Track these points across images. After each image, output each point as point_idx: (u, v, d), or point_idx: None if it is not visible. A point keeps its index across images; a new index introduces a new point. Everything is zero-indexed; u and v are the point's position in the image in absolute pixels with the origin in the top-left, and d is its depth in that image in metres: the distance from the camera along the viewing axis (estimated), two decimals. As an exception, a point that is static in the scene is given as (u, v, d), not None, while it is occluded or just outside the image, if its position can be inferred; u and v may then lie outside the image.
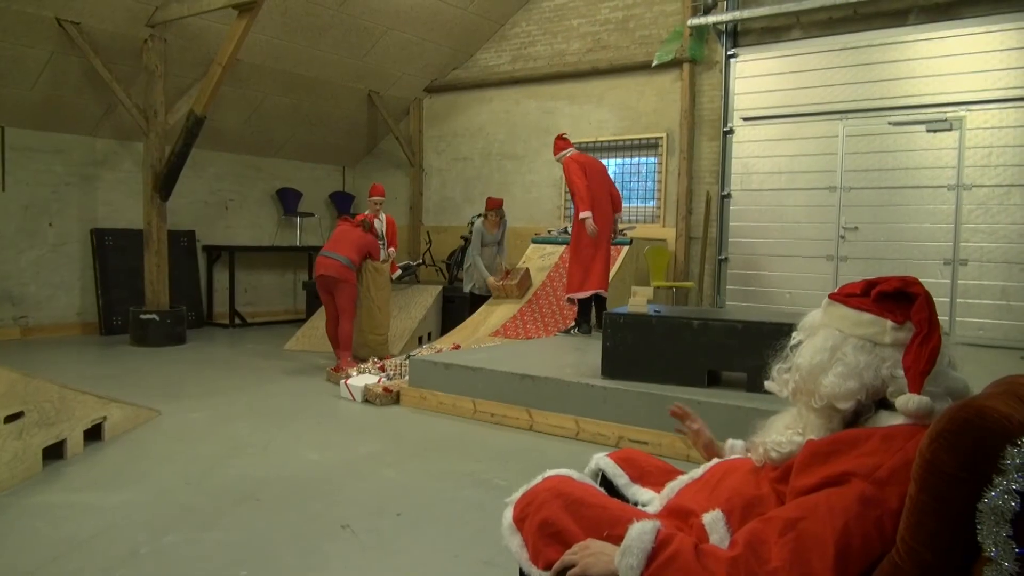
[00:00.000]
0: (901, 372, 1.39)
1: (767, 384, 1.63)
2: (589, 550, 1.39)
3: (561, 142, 6.93)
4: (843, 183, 7.46)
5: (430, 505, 3.36)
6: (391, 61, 9.35)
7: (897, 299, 1.44)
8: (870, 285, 1.48)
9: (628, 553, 1.32)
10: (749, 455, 1.64)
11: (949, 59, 6.89)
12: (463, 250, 9.59)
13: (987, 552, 1.09)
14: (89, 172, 8.60)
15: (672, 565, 1.29)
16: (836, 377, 1.43)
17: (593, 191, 6.46)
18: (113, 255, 8.67)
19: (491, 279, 7.84)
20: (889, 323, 1.42)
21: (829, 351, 1.46)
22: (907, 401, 1.34)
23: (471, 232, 9.64)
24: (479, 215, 9.96)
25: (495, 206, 7.96)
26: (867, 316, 1.45)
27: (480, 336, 7.42)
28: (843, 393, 1.42)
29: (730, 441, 1.86)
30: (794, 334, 1.61)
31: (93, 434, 4.14)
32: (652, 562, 1.30)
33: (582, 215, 6.43)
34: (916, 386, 1.34)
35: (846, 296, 1.50)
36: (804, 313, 1.62)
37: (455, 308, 8.68)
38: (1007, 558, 1.08)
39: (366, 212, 6.80)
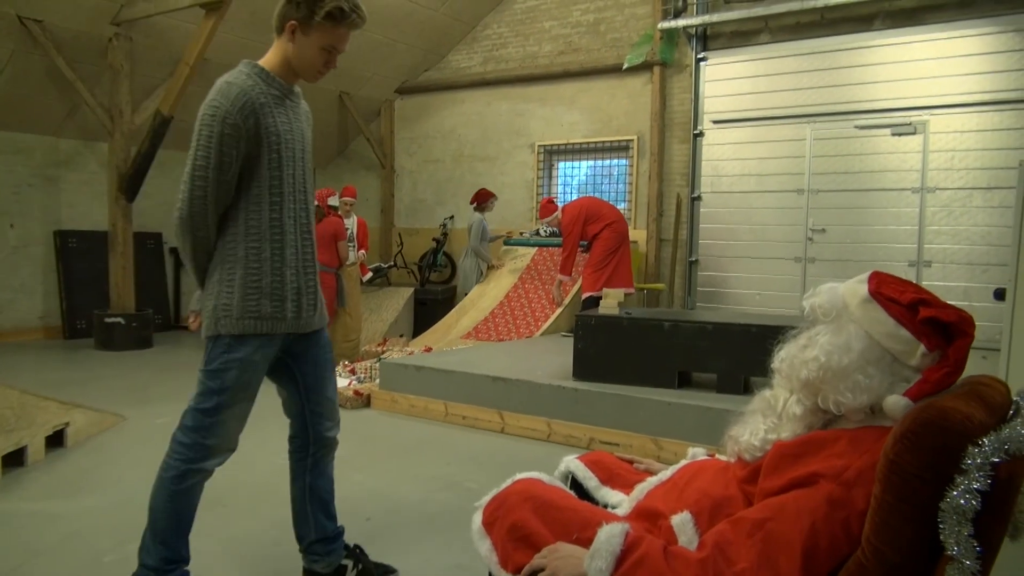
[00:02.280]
0: (902, 387, 1.35)
1: (775, 362, 1.51)
2: (558, 553, 1.39)
3: (550, 206, 7.41)
4: (811, 185, 7.55)
5: (400, 509, 3.34)
6: (362, 62, 9.29)
7: (941, 327, 1.35)
8: (919, 301, 1.36)
9: (597, 556, 1.32)
10: (717, 456, 1.64)
11: (914, 64, 7.01)
12: (435, 252, 9.56)
13: (949, 551, 1.11)
14: (52, 173, 8.43)
15: (641, 567, 1.29)
16: (855, 388, 1.37)
17: (601, 224, 6.87)
18: (77, 257, 8.51)
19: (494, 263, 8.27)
20: (922, 348, 1.34)
21: (857, 355, 1.37)
22: (897, 403, 1.32)
23: (444, 234, 9.64)
24: (451, 216, 9.94)
25: (491, 195, 8.22)
26: (905, 333, 1.36)
27: (452, 339, 7.40)
28: (856, 407, 1.37)
29: (691, 450, 1.86)
30: (812, 302, 1.48)
31: (55, 440, 4.05)
32: (621, 564, 1.30)
33: (560, 277, 7.21)
34: (919, 397, 1.31)
35: (888, 300, 1.39)
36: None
37: (427, 310, 8.65)
38: (969, 556, 1.10)
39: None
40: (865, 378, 1.36)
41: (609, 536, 1.34)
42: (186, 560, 2.31)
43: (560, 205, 7.45)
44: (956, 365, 1.34)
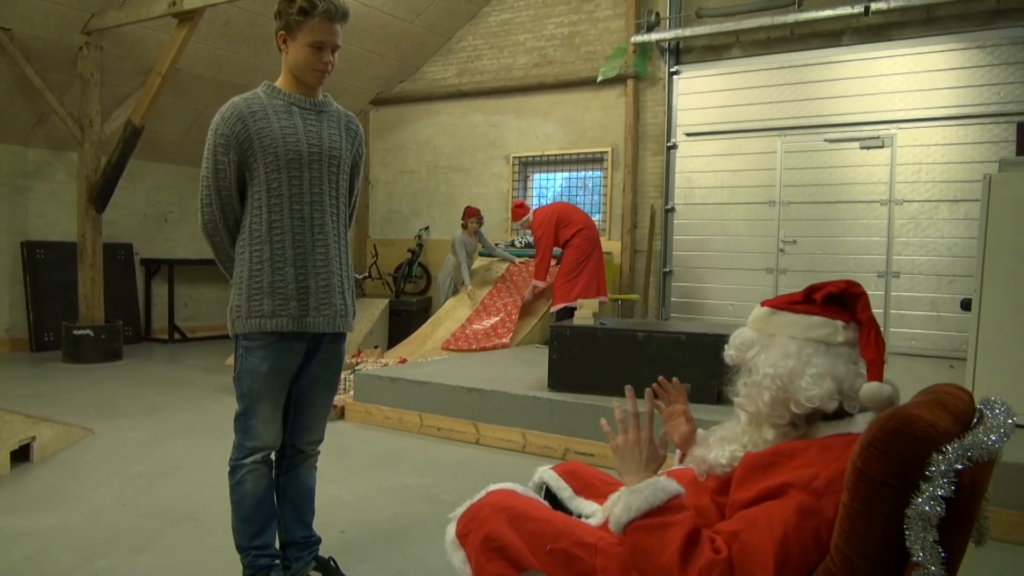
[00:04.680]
0: (861, 379, 1.40)
1: (736, 401, 1.54)
2: (626, 463, 1.47)
3: (520, 210, 7.34)
4: (782, 198, 7.66)
5: (374, 522, 3.32)
6: (336, 73, 9.18)
7: (840, 301, 1.47)
8: (811, 290, 1.49)
9: (638, 493, 1.36)
10: (690, 465, 1.66)
11: (881, 79, 7.15)
12: (410, 263, 9.54)
13: (915, 557, 1.13)
14: (20, 183, 8.29)
15: (659, 531, 1.32)
16: (812, 379, 1.41)
17: (573, 229, 6.98)
18: (45, 269, 8.37)
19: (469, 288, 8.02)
20: (840, 323, 1.44)
21: (795, 356, 1.43)
22: (879, 390, 1.35)
23: (419, 245, 9.62)
24: (426, 227, 9.93)
25: (473, 214, 8.10)
26: (817, 319, 1.45)
27: (427, 350, 7.38)
28: (824, 394, 1.40)
29: (700, 432, 1.84)
30: (730, 352, 1.56)
31: (21, 455, 3.97)
32: (650, 516, 1.34)
33: (534, 282, 7.35)
34: (880, 375, 1.37)
35: (789, 303, 1.50)
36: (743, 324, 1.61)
37: (402, 321, 8.62)
38: (934, 562, 1.12)
39: None
40: (815, 368, 1.42)
41: (662, 487, 1.37)
42: (263, 549, 2.42)
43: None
44: (871, 322, 1.43)
